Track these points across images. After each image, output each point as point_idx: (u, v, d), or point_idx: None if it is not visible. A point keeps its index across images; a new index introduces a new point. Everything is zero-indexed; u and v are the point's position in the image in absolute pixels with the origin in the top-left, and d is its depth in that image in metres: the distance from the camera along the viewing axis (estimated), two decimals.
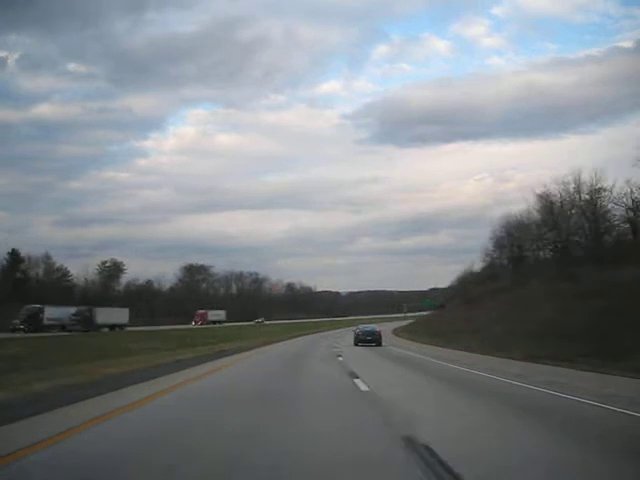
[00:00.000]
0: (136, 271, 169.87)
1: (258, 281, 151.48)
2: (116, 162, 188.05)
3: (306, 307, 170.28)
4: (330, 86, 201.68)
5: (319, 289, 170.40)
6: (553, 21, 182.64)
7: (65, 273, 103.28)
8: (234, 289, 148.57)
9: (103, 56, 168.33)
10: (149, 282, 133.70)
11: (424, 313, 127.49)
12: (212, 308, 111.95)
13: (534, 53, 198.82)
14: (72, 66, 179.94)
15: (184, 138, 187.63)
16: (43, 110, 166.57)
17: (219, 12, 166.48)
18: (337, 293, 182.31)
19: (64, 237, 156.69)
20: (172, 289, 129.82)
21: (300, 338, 59.44)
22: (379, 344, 38.46)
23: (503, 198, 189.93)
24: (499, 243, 67.09)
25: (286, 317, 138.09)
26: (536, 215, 55.77)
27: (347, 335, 55.71)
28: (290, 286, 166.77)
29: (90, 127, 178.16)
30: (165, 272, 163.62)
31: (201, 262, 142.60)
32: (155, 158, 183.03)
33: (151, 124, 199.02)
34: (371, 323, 55.10)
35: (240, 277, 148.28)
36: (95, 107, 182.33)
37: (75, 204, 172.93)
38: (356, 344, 38.46)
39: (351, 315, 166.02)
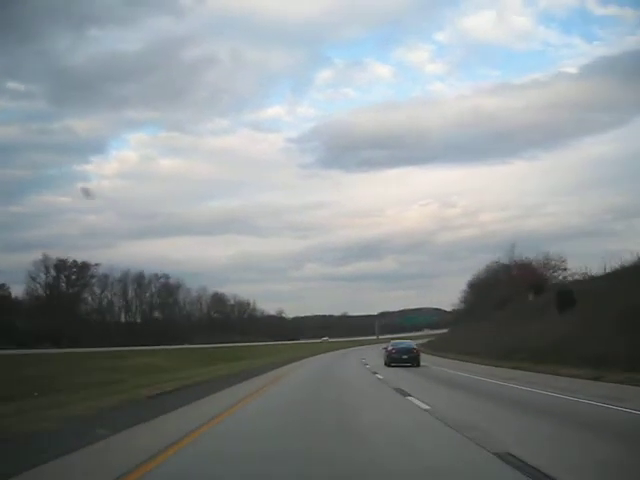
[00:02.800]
0: None
1: (169, 287, 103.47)
2: (57, 186, 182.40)
3: (244, 328, 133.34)
4: (274, 110, 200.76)
5: (263, 313, 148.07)
6: (496, 48, 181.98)
7: None
8: (133, 299, 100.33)
9: (43, 74, 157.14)
10: None
11: (436, 332, 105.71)
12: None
13: (478, 79, 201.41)
14: (10, 85, 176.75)
15: (126, 162, 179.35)
16: None
17: (163, 31, 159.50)
18: (282, 317, 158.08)
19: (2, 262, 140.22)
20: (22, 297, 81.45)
21: None
22: (417, 364, 32.91)
23: (448, 224, 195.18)
24: None
25: (214, 340, 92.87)
26: None
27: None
28: (218, 298, 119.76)
29: (30, 149, 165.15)
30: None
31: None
32: (97, 182, 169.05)
33: (93, 147, 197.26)
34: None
35: (140, 281, 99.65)
36: (35, 128, 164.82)
37: (15, 229, 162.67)
38: (389, 364, 33.80)
39: (304, 338, 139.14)
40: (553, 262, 58.82)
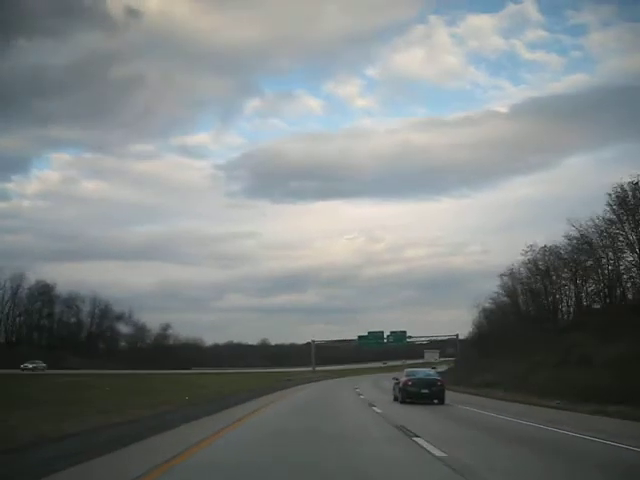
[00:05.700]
0: None
1: None
2: None
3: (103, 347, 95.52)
4: (202, 137, 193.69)
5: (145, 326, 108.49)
6: (426, 85, 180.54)
7: None
8: None
9: None
10: None
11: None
12: None
13: (408, 115, 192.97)
14: None
15: (48, 182, 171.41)
16: None
17: (93, 46, 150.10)
18: (197, 345, 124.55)
19: None
20: None
21: None
22: (441, 401, 26.77)
23: (374, 258, 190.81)
24: None
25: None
26: None
27: None
28: (48, 292, 69.60)
29: None
30: None
31: None
32: (17, 202, 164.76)
33: (14, 165, 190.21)
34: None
35: None
36: None
37: None
38: (403, 400, 26.91)
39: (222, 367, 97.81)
40: None
